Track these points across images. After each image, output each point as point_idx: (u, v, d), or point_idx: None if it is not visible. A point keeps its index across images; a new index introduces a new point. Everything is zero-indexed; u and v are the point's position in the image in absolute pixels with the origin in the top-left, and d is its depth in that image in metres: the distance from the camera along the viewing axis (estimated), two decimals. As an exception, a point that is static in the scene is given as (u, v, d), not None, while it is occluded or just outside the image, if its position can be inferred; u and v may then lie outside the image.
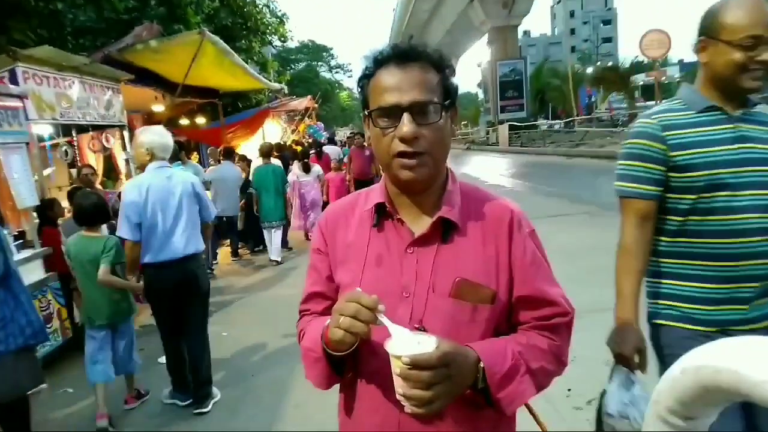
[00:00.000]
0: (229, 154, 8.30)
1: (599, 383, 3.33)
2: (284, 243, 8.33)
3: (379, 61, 1.05)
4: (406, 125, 0.99)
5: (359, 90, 1.11)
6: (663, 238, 1.62)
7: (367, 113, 1.07)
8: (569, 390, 3.20)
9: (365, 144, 9.38)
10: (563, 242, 6.56)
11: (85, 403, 3.77)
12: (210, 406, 3.58)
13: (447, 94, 1.05)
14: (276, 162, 8.23)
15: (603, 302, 4.66)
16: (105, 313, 3.45)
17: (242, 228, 8.34)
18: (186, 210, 3.51)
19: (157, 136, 3.52)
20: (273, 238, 7.79)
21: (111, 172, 8.63)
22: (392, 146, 1.01)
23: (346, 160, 10.19)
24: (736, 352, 0.52)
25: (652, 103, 24.79)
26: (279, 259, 7.77)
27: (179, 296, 3.49)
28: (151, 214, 3.38)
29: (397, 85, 1.00)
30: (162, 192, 3.43)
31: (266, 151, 8.00)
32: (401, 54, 1.03)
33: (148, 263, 3.43)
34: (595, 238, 7.09)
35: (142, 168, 3.61)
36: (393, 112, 1.01)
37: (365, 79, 1.08)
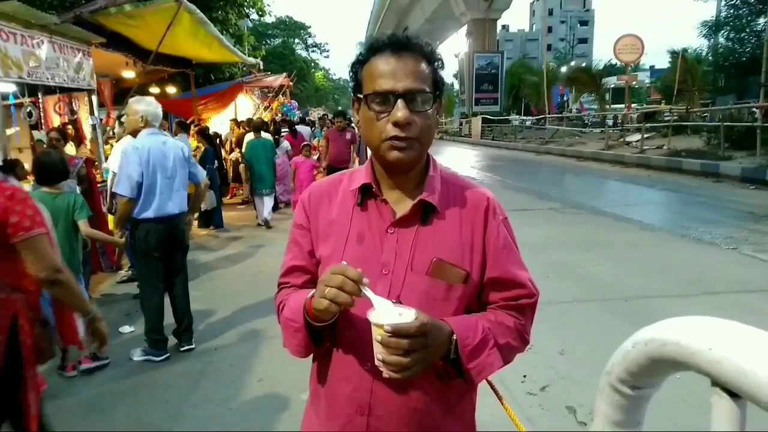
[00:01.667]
0: (183, 126, 8.29)
1: (553, 371, 3.52)
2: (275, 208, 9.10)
3: (375, 48, 1.09)
4: (401, 110, 1.04)
5: (351, 75, 1.15)
6: None
7: (360, 97, 1.11)
8: (524, 376, 3.35)
9: (346, 127, 8.68)
10: (526, 236, 6.72)
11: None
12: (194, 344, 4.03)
13: (436, 86, 1.11)
14: (266, 136, 8.91)
15: (560, 295, 4.90)
16: None
17: (208, 209, 8.20)
18: (179, 172, 3.85)
19: (151, 106, 3.82)
20: (265, 202, 8.53)
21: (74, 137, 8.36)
22: (385, 130, 1.06)
23: (316, 143, 9.78)
24: (681, 327, 0.60)
25: (621, 106, 25.40)
26: (269, 222, 8.51)
27: (168, 249, 3.85)
28: (152, 174, 3.69)
29: (392, 72, 1.05)
30: (159, 154, 3.74)
31: (258, 126, 8.80)
32: (397, 43, 1.08)
33: (147, 218, 3.71)
34: (558, 233, 7.32)
35: (133, 134, 3.87)
36: (387, 98, 1.05)
37: (359, 64, 1.13)
